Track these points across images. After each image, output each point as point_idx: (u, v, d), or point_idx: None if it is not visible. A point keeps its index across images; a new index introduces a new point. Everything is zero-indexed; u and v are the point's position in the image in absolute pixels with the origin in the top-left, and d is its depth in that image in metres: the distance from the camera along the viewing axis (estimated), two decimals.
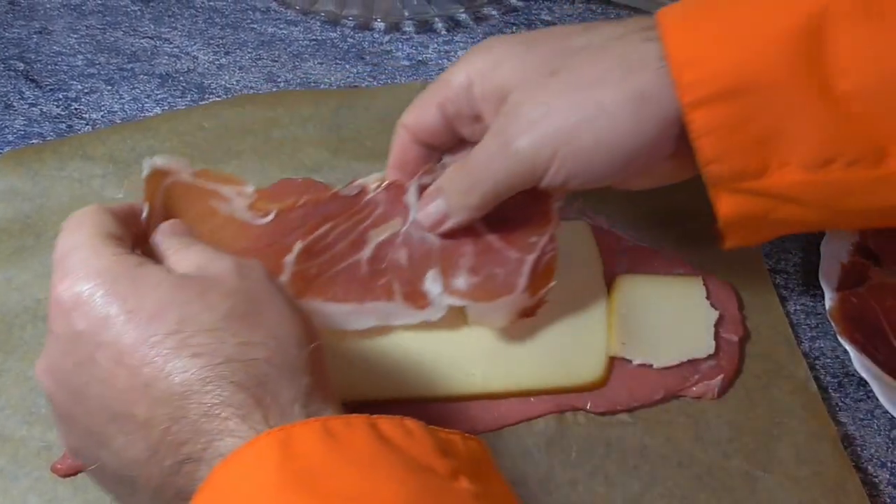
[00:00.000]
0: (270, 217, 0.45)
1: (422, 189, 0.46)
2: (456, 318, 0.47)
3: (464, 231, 0.45)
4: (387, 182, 0.47)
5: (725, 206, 0.41)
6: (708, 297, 0.51)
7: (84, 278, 0.33)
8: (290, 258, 0.45)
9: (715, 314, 0.50)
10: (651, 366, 0.48)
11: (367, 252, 0.46)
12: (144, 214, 0.42)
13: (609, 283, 0.51)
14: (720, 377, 0.48)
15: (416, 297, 0.45)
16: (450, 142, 0.46)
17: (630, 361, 0.48)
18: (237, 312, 0.33)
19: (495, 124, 0.42)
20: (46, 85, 0.60)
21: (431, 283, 0.45)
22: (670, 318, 0.50)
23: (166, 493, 0.32)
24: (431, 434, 0.31)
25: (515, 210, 0.45)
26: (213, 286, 0.34)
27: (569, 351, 0.48)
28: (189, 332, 0.32)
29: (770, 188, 0.39)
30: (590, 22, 0.45)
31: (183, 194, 0.44)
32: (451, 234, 0.45)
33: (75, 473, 0.43)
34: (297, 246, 0.45)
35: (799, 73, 0.37)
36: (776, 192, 0.39)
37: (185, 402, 0.31)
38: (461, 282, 0.45)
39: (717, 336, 0.50)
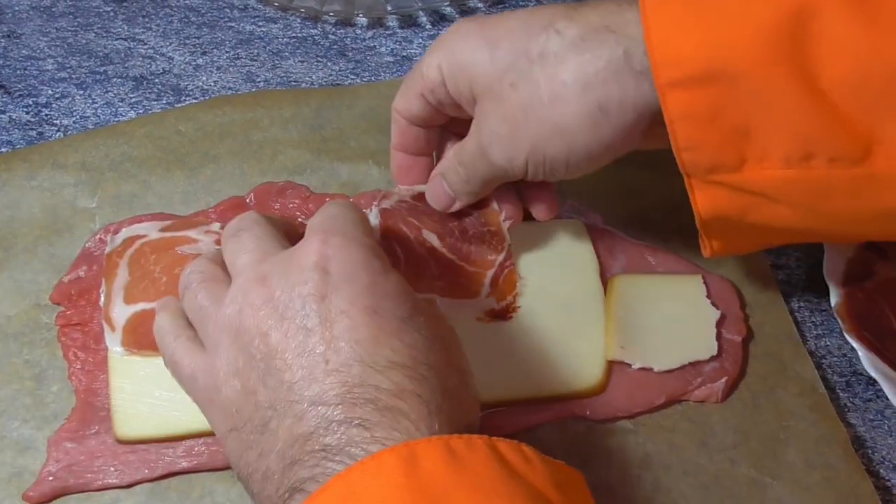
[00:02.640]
0: None
1: (382, 213, 0.48)
2: None
3: (427, 251, 0.47)
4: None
5: (701, 199, 0.40)
6: (708, 296, 0.49)
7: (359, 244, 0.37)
8: None
9: (716, 313, 0.48)
10: (652, 369, 0.46)
11: None
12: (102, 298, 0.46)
13: (605, 284, 0.49)
14: (724, 380, 0.47)
15: None
16: (444, 119, 0.47)
17: (630, 365, 0.46)
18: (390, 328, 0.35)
19: (473, 127, 0.44)
20: (15, 90, 0.58)
21: None
22: (670, 318, 0.48)
23: (284, 480, 0.33)
24: (546, 463, 0.32)
25: (473, 229, 0.48)
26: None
27: (566, 356, 0.46)
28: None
29: (747, 183, 0.38)
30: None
31: (150, 252, 0.47)
32: (413, 253, 0.47)
33: (48, 501, 0.41)
34: None
35: (781, 64, 0.35)
36: (754, 187, 0.38)
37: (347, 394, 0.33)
38: (426, 284, 0.47)
39: (719, 336, 0.48)
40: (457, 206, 0.47)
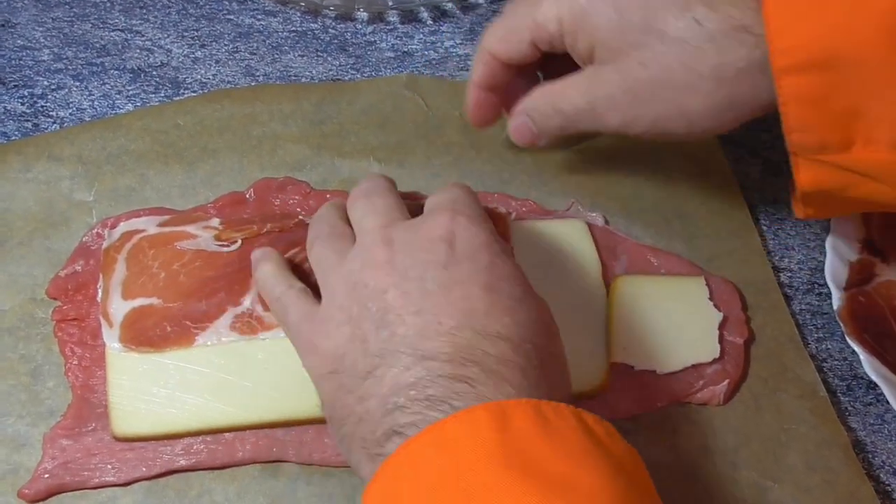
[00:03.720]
0: (237, 245, 0.47)
1: None
2: None
3: None
4: None
5: (805, 175, 0.41)
6: (710, 298, 0.49)
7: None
8: None
9: (719, 316, 0.48)
10: (654, 371, 0.46)
11: None
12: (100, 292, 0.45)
13: (608, 285, 0.49)
14: (726, 382, 0.46)
15: None
16: (539, 62, 0.48)
17: (632, 367, 0.46)
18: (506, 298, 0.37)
19: (585, 86, 0.45)
20: (10, 81, 0.57)
21: None
22: (673, 320, 0.48)
23: (383, 423, 0.35)
24: (624, 441, 0.33)
25: None
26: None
27: (568, 357, 0.46)
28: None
29: (854, 164, 0.39)
30: None
31: (148, 247, 0.47)
32: None
33: (44, 498, 0.41)
34: None
35: (892, 51, 0.37)
36: (859, 168, 0.39)
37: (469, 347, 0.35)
38: None
39: (721, 339, 0.48)
40: (541, 143, 0.49)
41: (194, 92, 0.57)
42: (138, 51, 0.60)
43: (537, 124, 0.48)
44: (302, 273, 0.44)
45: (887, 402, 0.47)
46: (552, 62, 0.48)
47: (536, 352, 0.36)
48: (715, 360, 0.47)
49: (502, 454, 0.30)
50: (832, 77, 0.38)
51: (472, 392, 0.34)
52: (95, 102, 0.56)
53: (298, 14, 0.63)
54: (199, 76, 0.58)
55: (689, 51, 0.41)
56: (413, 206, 0.43)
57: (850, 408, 0.48)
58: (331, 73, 0.60)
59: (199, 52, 0.60)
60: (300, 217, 0.48)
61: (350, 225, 0.42)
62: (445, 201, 0.41)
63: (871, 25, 0.37)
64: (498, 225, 0.48)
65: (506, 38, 0.46)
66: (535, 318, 0.38)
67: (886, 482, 0.46)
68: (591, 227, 0.51)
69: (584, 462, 0.31)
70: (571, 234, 0.50)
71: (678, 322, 0.48)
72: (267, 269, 0.43)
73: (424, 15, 0.64)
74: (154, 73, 0.58)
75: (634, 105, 0.43)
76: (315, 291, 0.42)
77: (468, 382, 0.34)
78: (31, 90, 0.57)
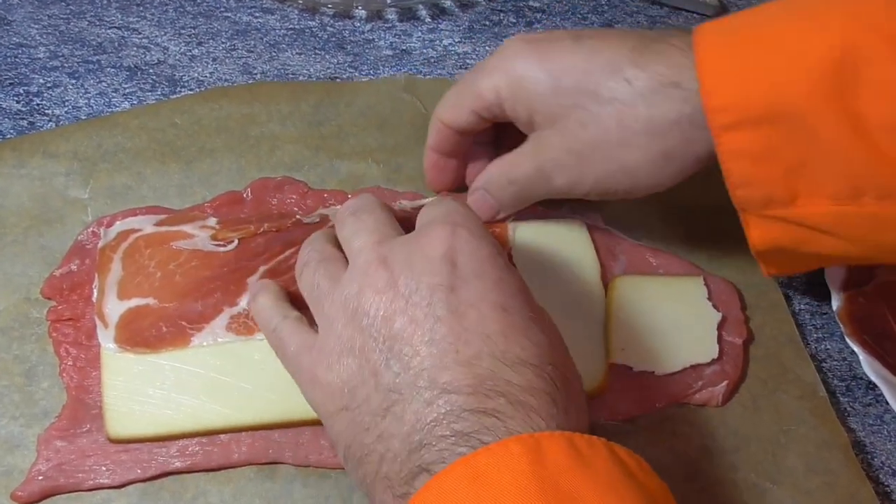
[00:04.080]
0: (233, 245, 0.47)
1: None
2: None
3: None
4: None
5: (756, 232, 0.42)
6: (709, 298, 0.49)
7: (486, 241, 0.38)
8: (253, 278, 0.46)
9: (718, 316, 0.48)
10: (653, 372, 0.46)
11: None
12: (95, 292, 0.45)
13: (606, 285, 0.49)
14: (724, 383, 0.46)
15: None
16: (488, 128, 0.48)
17: (631, 368, 0.46)
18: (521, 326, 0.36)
19: (531, 153, 0.45)
20: (6, 79, 0.57)
21: None
22: (671, 321, 0.48)
23: (408, 462, 0.33)
24: (654, 473, 0.32)
25: None
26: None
27: None
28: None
29: (801, 217, 0.40)
30: (598, 29, 0.48)
31: (144, 247, 0.46)
32: None
33: (38, 500, 0.40)
34: (262, 269, 0.46)
35: (830, 106, 0.37)
36: (807, 221, 0.40)
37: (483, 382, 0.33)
38: None
39: (719, 339, 0.48)
40: (501, 216, 0.48)
41: (191, 90, 0.57)
42: (135, 48, 0.59)
43: (494, 196, 0.48)
44: (303, 303, 0.43)
45: (887, 403, 0.47)
46: (508, 134, 0.48)
47: (559, 373, 0.35)
48: (714, 361, 0.47)
49: (538, 488, 0.29)
50: (771, 132, 0.38)
51: (503, 427, 0.32)
52: (91, 100, 0.56)
53: (296, 12, 0.63)
54: (196, 74, 0.58)
55: (621, 109, 0.42)
56: (405, 219, 0.42)
57: (849, 408, 0.48)
58: (329, 71, 0.59)
59: (196, 50, 0.60)
60: (297, 217, 0.48)
61: (341, 249, 0.41)
62: (440, 214, 0.39)
63: (806, 79, 0.37)
64: (495, 226, 0.48)
65: (452, 107, 0.47)
66: (549, 335, 0.36)
67: (886, 483, 0.45)
68: (589, 227, 0.51)
69: (618, 495, 0.30)
70: (570, 235, 0.50)
71: (677, 322, 0.47)
72: (262, 302, 0.42)
73: (423, 13, 0.64)
74: (151, 70, 0.58)
75: (579, 164, 0.44)
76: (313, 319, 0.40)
77: (497, 416, 0.32)
78: (26, 88, 0.56)
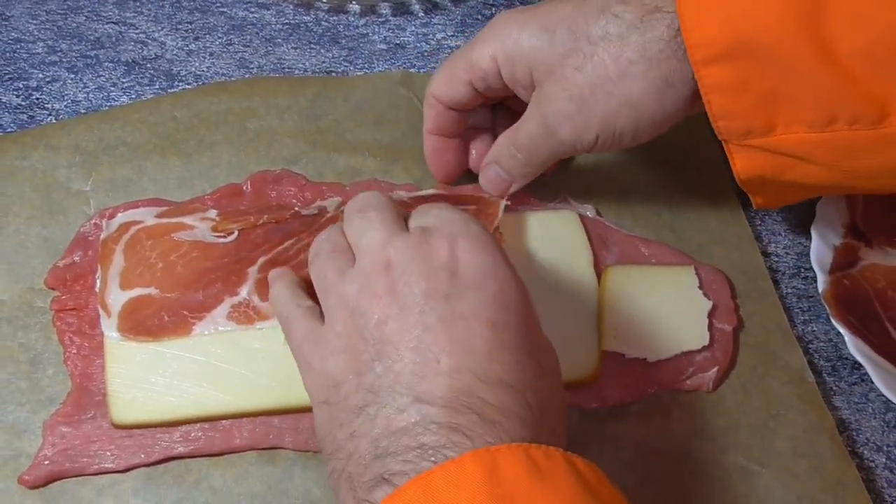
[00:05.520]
0: (233, 236, 0.48)
1: None
2: None
3: None
4: (342, 204, 0.49)
5: (739, 162, 0.43)
6: (700, 287, 0.50)
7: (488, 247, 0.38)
8: (253, 269, 0.47)
9: (708, 304, 0.49)
10: (644, 359, 0.47)
11: None
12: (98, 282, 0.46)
13: (599, 275, 0.50)
14: (715, 369, 0.47)
15: None
16: (482, 105, 0.49)
17: (623, 355, 0.47)
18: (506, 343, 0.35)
19: (534, 111, 0.46)
20: (5, 74, 0.57)
21: None
22: (663, 309, 0.49)
23: (372, 467, 0.33)
24: (614, 486, 0.32)
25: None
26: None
27: (559, 346, 0.46)
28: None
29: (779, 146, 0.41)
30: None
31: (146, 238, 0.47)
32: None
33: (44, 484, 0.41)
34: (262, 260, 0.47)
35: (799, 35, 0.38)
36: (785, 149, 0.41)
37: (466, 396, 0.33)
38: None
39: (710, 326, 0.48)
40: (514, 189, 0.49)
41: (189, 84, 0.58)
42: (132, 43, 0.60)
43: (504, 168, 0.48)
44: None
45: (871, 382, 0.48)
46: (505, 116, 0.50)
47: (537, 398, 0.35)
48: (704, 348, 0.48)
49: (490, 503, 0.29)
50: (747, 64, 0.39)
51: (469, 444, 0.32)
52: (90, 95, 0.57)
53: (291, 7, 0.64)
54: (193, 69, 0.59)
55: (614, 42, 0.43)
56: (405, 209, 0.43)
57: (835, 388, 0.49)
58: (324, 65, 0.60)
59: (193, 45, 0.60)
60: (296, 209, 0.49)
61: None
62: (441, 223, 0.39)
63: (776, 9, 0.38)
64: (488, 211, 0.48)
65: (445, 81, 0.47)
66: (538, 356, 0.36)
67: (871, 458, 0.47)
68: (582, 218, 0.52)
69: None
70: (563, 226, 0.51)
71: (668, 310, 0.49)
72: (278, 289, 0.43)
73: (416, 7, 0.65)
74: (148, 65, 0.59)
75: (582, 110, 0.44)
76: None
77: (464, 433, 0.32)
78: (25, 82, 0.57)
